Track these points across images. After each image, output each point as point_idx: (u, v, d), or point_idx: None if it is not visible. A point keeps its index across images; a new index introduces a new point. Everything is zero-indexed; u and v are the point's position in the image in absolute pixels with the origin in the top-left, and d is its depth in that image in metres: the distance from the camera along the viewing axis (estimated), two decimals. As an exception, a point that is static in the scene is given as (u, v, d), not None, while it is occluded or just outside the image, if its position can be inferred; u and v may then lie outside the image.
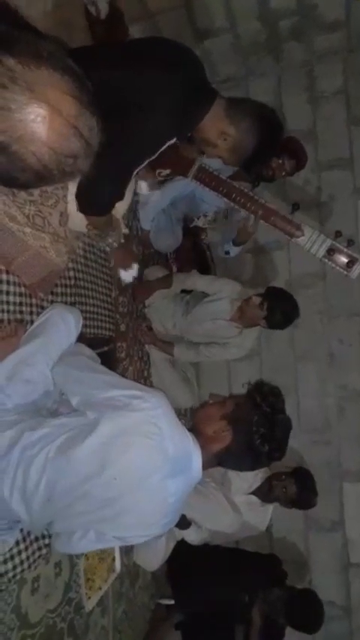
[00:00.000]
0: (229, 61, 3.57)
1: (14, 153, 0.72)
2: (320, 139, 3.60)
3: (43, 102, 0.70)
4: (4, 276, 1.87)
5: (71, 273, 2.30)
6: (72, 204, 1.89)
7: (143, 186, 2.73)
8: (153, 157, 1.66)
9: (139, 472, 1.44)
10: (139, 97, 1.51)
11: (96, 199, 1.66)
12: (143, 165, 1.64)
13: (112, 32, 2.63)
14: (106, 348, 2.51)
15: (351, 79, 3.59)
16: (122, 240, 2.00)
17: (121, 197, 1.69)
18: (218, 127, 1.72)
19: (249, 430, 1.54)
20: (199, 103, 1.69)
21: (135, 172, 1.65)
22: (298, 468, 3.15)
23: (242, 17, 3.22)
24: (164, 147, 1.67)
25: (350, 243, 2.41)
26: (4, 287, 1.88)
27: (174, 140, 1.69)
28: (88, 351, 1.85)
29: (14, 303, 1.92)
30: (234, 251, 3.02)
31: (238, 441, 1.55)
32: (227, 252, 3.05)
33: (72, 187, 1.79)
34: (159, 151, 1.66)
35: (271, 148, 1.94)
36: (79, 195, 1.68)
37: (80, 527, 1.58)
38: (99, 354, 1.99)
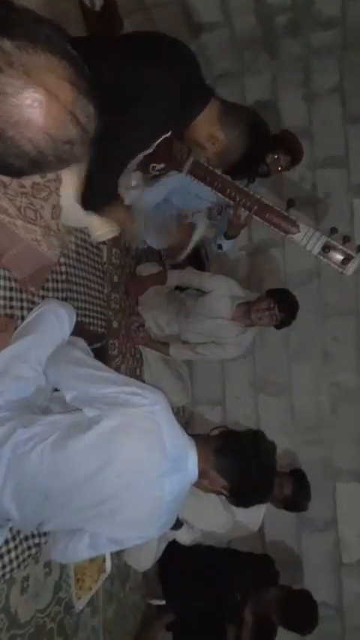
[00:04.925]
0: (224, 56, 3.56)
1: (10, 138, 0.70)
2: (315, 136, 3.60)
3: (40, 87, 0.69)
4: (-5, 271, 1.84)
5: (63, 269, 2.26)
6: (65, 198, 1.87)
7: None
8: (149, 151, 1.64)
9: (138, 469, 1.44)
10: (137, 91, 1.50)
11: (94, 191, 1.64)
12: (139, 157, 1.62)
13: (106, 24, 2.60)
14: (98, 345, 2.48)
15: (346, 77, 3.59)
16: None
17: (115, 189, 1.67)
18: (209, 131, 1.72)
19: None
20: (195, 101, 1.68)
21: (129, 164, 1.63)
22: (297, 470, 3.14)
23: (238, 12, 3.21)
24: (159, 140, 1.65)
25: (346, 240, 2.39)
26: (-5, 281, 1.85)
27: (169, 133, 1.68)
28: (81, 343, 1.84)
29: (4, 298, 1.89)
30: (226, 245, 3.00)
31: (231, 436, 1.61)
32: (220, 247, 3.03)
33: (65, 180, 1.77)
34: (154, 144, 1.64)
35: (257, 159, 1.95)
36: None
37: (74, 525, 1.57)
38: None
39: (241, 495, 1.62)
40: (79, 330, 1.93)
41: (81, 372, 1.59)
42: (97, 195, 1.68)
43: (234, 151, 1.75)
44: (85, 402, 1.51)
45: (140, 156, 1.64)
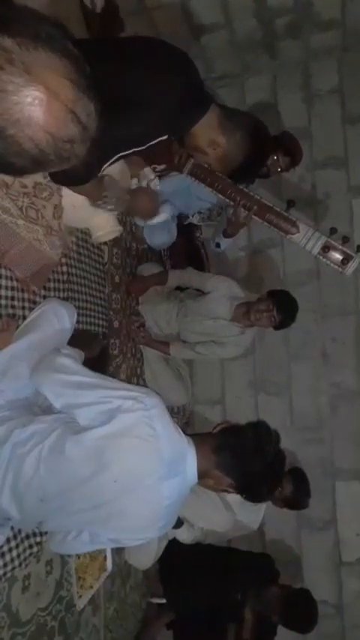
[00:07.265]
0: (225, 58, 3.57)
1: (10, 137, 0.70)
2: (315, 137, 3.60)
3: (41, 85, 0.68)
4: (-4, 270, 1.85)
5: (64, 269, 2.27)
6: (67, 198, 1.87)
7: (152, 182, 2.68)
8: (141, 148, 1.65)
9: (134, 474, 1.42)
10: (136, 91, 1.50)
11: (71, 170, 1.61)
12: (129, 152, 1.62)
13: (107, 26, 2.61)
14: (98, 351, 2.49)
15: (346, 78, 3.59)
16: (127, 197, 1.95)
17: (95, 173, 1.65)
18: (210, 136, 1.73)
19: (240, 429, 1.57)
20: (195, 106, 1.69)
21: (118, 156, 1.63)
22: (295, 468, 3.14)
23: (238, 14, 3.21)
24: (155, 141, 1.66)
25: (345, 240, 2.40)
26: (-4, 281, 1.86)
27: (165, 137, 1.68)
28: (68, 350, 1.80)
29: (6, 298, 1.90)
30: (224, 243, 3.00)
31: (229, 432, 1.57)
32: (218, 245, 3.03)
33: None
34: (148, 144, 1.64)
35: (258, 164, 1.96)
36: None
37: (72, 527, 1.56)
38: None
39: (249, 491, 1.57)
40: (78, 335, 1.92)
41: (68, 379, 1.53)
42: (75, 176, 1.65)
43: (235, 156, 1.76)
44: (77, 408, 1.47)
45: (130, 150, 1.63)
